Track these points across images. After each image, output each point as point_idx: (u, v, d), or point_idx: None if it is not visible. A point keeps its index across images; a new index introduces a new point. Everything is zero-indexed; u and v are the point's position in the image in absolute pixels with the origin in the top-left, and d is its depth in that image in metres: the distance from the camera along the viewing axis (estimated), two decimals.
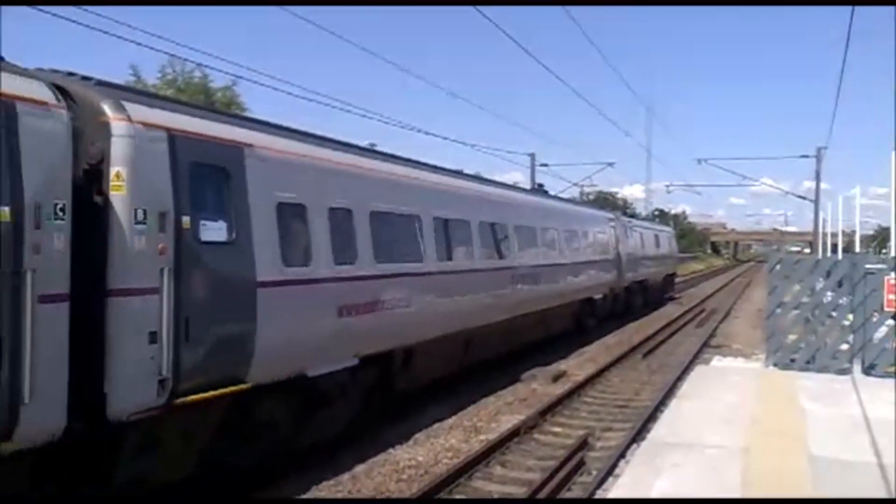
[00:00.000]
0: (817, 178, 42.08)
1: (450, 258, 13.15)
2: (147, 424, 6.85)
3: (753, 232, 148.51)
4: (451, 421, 11.99)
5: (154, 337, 6.75)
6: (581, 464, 9.69)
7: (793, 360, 12.33)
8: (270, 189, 8.44)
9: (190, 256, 7.19)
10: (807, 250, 69.52)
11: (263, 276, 8.10)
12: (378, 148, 14.01)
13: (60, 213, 5.98)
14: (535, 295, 17.38)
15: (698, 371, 13.33)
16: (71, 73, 7.13)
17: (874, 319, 11.90)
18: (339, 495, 8.56)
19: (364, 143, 13.42)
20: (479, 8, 13.70)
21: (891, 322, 11.80)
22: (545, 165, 42.61)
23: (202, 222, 7.44)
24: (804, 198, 47.66)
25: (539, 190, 25.70)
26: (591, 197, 59.58)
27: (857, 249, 23.78)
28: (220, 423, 7.86)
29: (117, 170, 6.65)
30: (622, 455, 9.76)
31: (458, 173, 16.10)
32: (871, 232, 78.01)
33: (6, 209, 5.57)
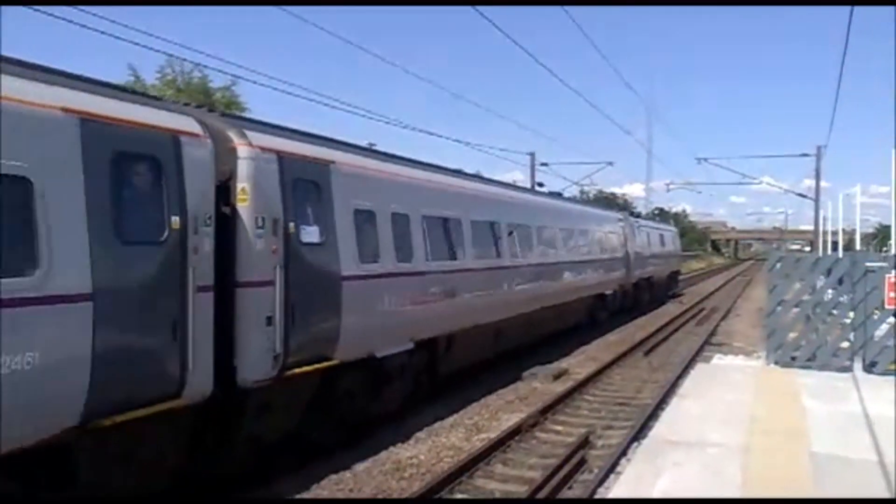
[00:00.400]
0: (817, 176, 42.15)
1: (483, 256, 14.66)
2: (264, 392, 8.35)
3: (754, 230, 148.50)
4: (452, 419, 12.00)
5: (270, 321, 8.28)
6: (582, 462, 9.70)
7: (793, 358, 12.35)
8: (349, 198, 10.05)
9: (294, 255, 8.75)
10: (807, 248, 69.55)
11: (346, 271, 9.76)
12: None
13: (208, 221, 7.58)
14: (554, 290, 19.01)
15: (699, 369, 13.34)
16: (199, 106, 9.22)
17: (875, 317, 11.92)
18: (341, 494, 8.57)
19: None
20: (479, 8, 13.70)
21: (891, 319, 11.82)
22: (545, 164, 42.58)
23: (302, 227, 9.00)
24: (804, 196, 47.64)
25: (557, 193, 26.72)
26: (591, 196, 59.64)
27: (858, 247, 23.78)
28: (313, 394, 9.42)
29: (242, 185, 8.17)
30: (623, 453, 9.77)
31: (485, 179, 18.18)
32: (871, 230, 78.02)
33: (176, 219, 7.16)
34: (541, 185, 37.65)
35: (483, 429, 11.54)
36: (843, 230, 27.17)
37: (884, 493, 6.36)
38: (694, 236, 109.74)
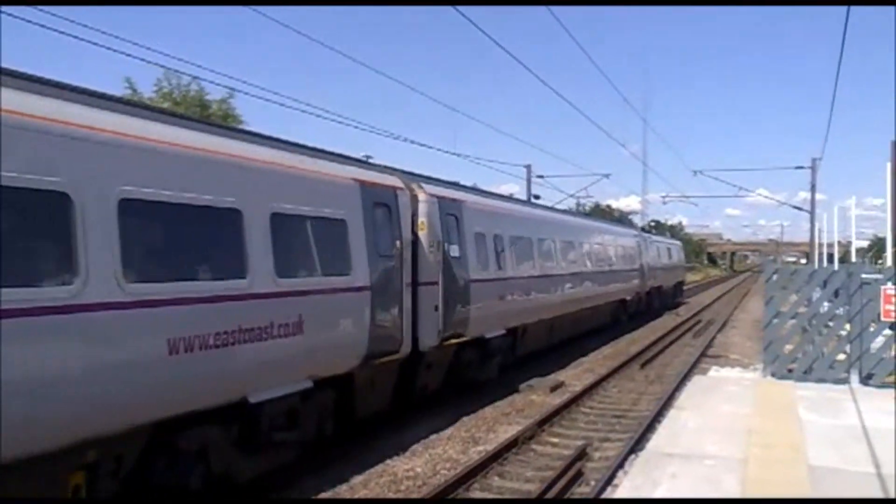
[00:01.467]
0: (812, 189, 42.30)
1: (545, 267, 18.84)
2: (430, 354, 12.54)
3: (749, 242, 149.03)
4: (448, 431, 11.96)
5: (436, 308, 12.47)
6: (579, 474, 9.67)
7: (790, 371, 12.36)
8: (472, 226, 14.47)
9: (447, 265, 13.07)
10: (803, 261, 69.71)
11: (473, 276, 14.12)
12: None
13: (409, 244, 11.82)
14: (590, 294, 23.15)
15: (696, 381, 13.33)
16: (396, 169, 12.85)
17: (871, 329, 11.94)
18: None
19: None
20: (474, 19, 13.84)
21: (888, 332, 11.84)
22: (541, 177, 42.70)
23: (450, 245, 13.28)
24: (800, 208, 47.88)
25: (587, 214, 33.59)
26: (587, 208, 59.80)
27: (853, 259, 23.84)
28: (451, 359, 13.61)
29: (422, 220, 12.31)
30: (620, 465, 9.74)
31: (549, 208, 26.04)
32: (866, 242, 78.24)
33: (398, 242, 11.40)
34: (537, 197, 37.74)
35: (480, 441, 11.50)
36: (839, 242, 27.31)
37: None
38: (690, 248, 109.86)
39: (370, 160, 14.39)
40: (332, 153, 10.88)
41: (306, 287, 9.16)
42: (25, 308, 5.73)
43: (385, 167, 12.51)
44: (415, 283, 11.84)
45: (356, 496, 8.85)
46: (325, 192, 9.82)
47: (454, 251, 13.41)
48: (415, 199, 12.18)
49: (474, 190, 17.04)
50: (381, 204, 11.10)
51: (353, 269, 10.08)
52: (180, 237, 7.61)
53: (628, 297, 29.16)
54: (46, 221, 6.15)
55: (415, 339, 11.81)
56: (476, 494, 9.11)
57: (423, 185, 12.72)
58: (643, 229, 40.98)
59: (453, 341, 13.19)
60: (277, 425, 8.66)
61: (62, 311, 6.01)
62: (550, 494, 8.68)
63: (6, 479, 5.74)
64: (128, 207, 6.67)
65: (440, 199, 13.01)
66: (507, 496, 9.07)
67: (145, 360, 6.73)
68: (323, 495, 8.79)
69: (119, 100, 8.17)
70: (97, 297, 6.29)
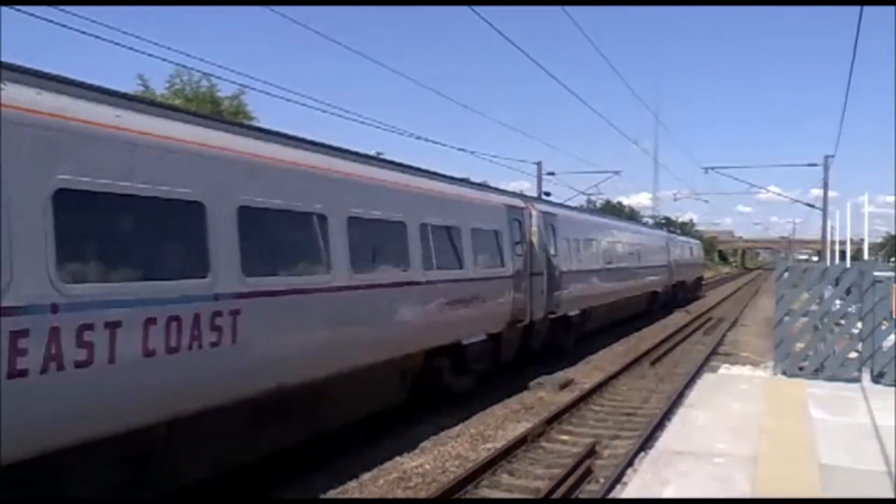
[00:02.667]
0: (825, 186, 41.99)
1: (607, 261, 24.27)
2: (538, 324, 17.23)
3: (761, 240, 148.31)
4: (457, 429, 11.96)
5: (542, 291, 17.14)
6: (588, 472, 9.66)
7: (801, 369, 12.28)
8: (564, 232, 19.56)
9: (548, 261, 17.87)
10: (815, 258, 69.31)
11: (565, 268, 19.02)
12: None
13: (528, 246, 16.73)
14: (633, 286, 28.22)
15: (706, 379, 13.26)
16: (520, 194, 19.90)
17: (883, 327, 11.84)
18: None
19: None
20: (487, 19, 13.86)
21: None
22: (552, 174, 42.62)
23: (548, 247, 18.01)
24: (812, 206, 47.51)
25: (631, 217, 40.48)
26: (598, 205, 59.71)
27: (866, 257, 23.63)
28: (549, 328, 18.24)
29: (533, 228, 17.13)
30: (630, 463, 9.71)
31: (608, 214, 37.84)
32: (879, 240, 77.73)
33: (524, 245, 16.30)
34: (548, 194, 37.66)
35: (489, 438, 11.50)
36: (851, 240, 27.09)
37: None
38: (701, 246, 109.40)
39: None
40: (489, 186, 18.90)
41: (486, 275, 14.16)
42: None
43: (515, 193, 18.68)
44: (530, 274, 16.44)
45: (365, 493, 8.86)
46: (491, 213, 15.08)
47: (552, 251, 18.18)
48: (530, 214, 17.04)
49: (561, 206, 23.98)
50: (516, 219, 16.10)
51: (504, 263, 15.18)
52: (449, 246, 13.00)
53: (659, 290, 34.06)
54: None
55: (529, 313, 16.38)
56: (485, 492, 9.11)
57: (535, 204, 18.33)
58: (671, 231, 47.87)
59: (550, 316, 17.90)
60: (473, 358, 13.75)
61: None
62: (559, 492, 8.67)
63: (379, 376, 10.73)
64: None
65: (544, 213, 18.13)
66: (516, 494, 9.06)
67: (438, 318, 12.20)
68: (332, 492, 8.80)
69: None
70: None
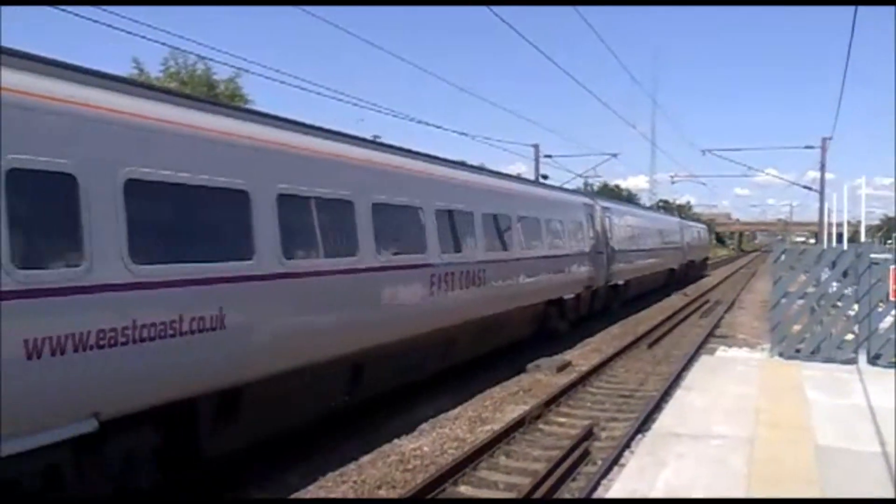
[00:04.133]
0: (822, 168, 41.94)
1: (644, 244, 30.86)
2: (601, 289, 23.26)
3: (758, 222, 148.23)
4: (456, 411, 12.02)
5: (603, 264, 23.48)
6: (586, 454, 9.71)
7: (798, 351, 12.34)
8: (605, 220, 24.13)
9: (607, 243, 24.00)
10: (812, 240, 69.38)
11: (616, 248, 25.08)
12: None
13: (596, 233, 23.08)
14: (661, 262, 34.86)
15: (703, 361, 13.32)
16: (587, 191, 33.27)
17: (879, 309, 11.90)
18: (346, 485, 8.59)
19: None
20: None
21: None
22: (549, 157, 42.58)
23: (607, 233, 24.14)
24: (809, 188, 47.51)
25: (662, 208, 59.24)
26: (595, 188, 59.83)
27: (863, 239, 23.66)
28: (605, 293, 23.80)
29: (597, 218, 23.36)
30: (627, 445, 9.77)
31: (650, 208, 53.24)
32: (876, 222, 77.82)
33: (594, 230, 23.04)
34: (545, 177, 37.65)
35: (487, 420, 11.55)
36: (848, 222, 27.07)
37: (888, 485, 6.36)
38: (707, 229, 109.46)
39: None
40: (570, 189, 28.61)
41: (571, 252, 19.95)
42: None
43: (583, 191, 22.95)
44: (596, 253, 22.03)
45: (364, 475, 8.90)
46: (575, 209, 21.56)
47: (609, 235, 23.40)
48: (595, 208, 22.90)
49: (617, 200, 30.68)
50: (588, 213, 22.41)
51: (584, 245, 21.34)
52: (555, 233, 18.91)
53: (675, 267, 40.06)
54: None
55: (598, 280, 22.00)
56: (483, 474, 9.16)
57: (597, 199, 24.18)
58: (682, 216, 59.99)
59: (594, 287, 21.94)
60: (569, 309, 19.76)
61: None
62: (557, 473, 8.72)
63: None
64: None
65: (604, 207, 24.13)
66: (514, 476, 9.11)
67: (553, 280, 18.24)
68: (331, 474, 8.85)
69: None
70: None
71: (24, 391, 5.50)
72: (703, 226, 64.92)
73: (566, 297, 19.24)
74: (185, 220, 7.49)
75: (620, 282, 25.66)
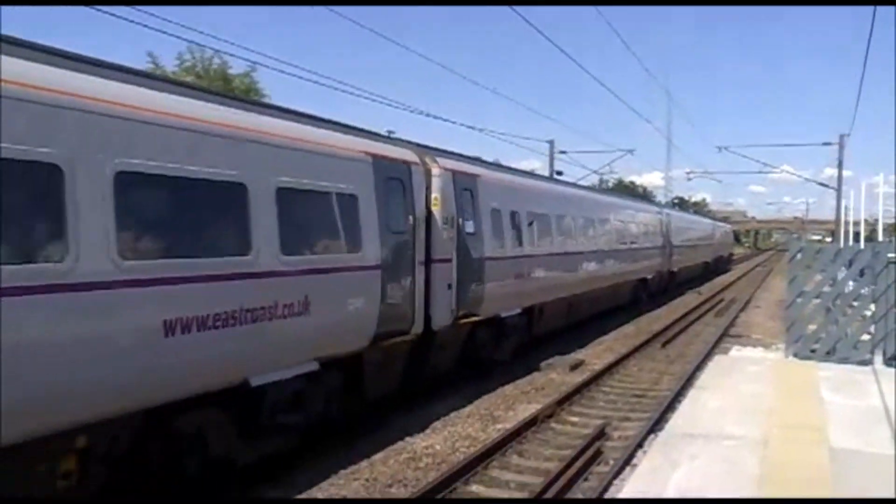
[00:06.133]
0: (840, 165, 41.62)
1: (697, 240, 43.44)
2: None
3: (774, 220, 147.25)
4: (468, 409, 12.00)
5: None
6: (598, 453, 9.68)
7: (813, 351, 12.23)
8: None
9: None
10: (828, 239, 68.78)
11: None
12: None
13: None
14: (699, 256, 43.26)
15: (717, 361, 13.24)
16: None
17: None
18: (357, 483, 8.60)
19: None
20: None
21: None
22: (564, 152, 42.51)
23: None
24: (826, 185, 47.27)
25: (697, 210, 69.45)
26: (610, 184, 59.71)
27: (880, 238, 23.42)
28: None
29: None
30: (640, 445, 9.74)
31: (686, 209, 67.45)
32: (894, 220, 76.99)
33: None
34: (560, 173, 37.53)
35: (499, 419, 11.53)
36: (866, 220, 26.85)
37: None
38: (730, 230, 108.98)
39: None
40: (650, 200, 46.40)
41: (652, 246, 28.49)
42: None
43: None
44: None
45: (375, 472, 8.91)
46: (656, 215, 30.82)
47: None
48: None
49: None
50: (660, 219, 29.88)
51: (658, 241, 29.67)
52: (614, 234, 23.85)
53: (709, 260, 48.36)
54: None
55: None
56: (495, 473, 9.15)
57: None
58: (711, 217, 66.78)
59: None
60: (649, 285, 28.44)
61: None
62: (569, 473, 8.69)
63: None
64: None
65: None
66: (526, 475, 9.09)
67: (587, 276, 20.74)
68: (343, 472, 8.86)
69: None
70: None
71: (294, 339, 8.41)
72: (728, 226, 71.96)
73: (648, 277, 28.59)
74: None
75: (675, 269, 34.46)
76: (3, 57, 5.62)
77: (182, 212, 7.24)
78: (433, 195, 11.88)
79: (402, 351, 11.30)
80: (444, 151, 13.60)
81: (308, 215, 8.95)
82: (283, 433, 8.72)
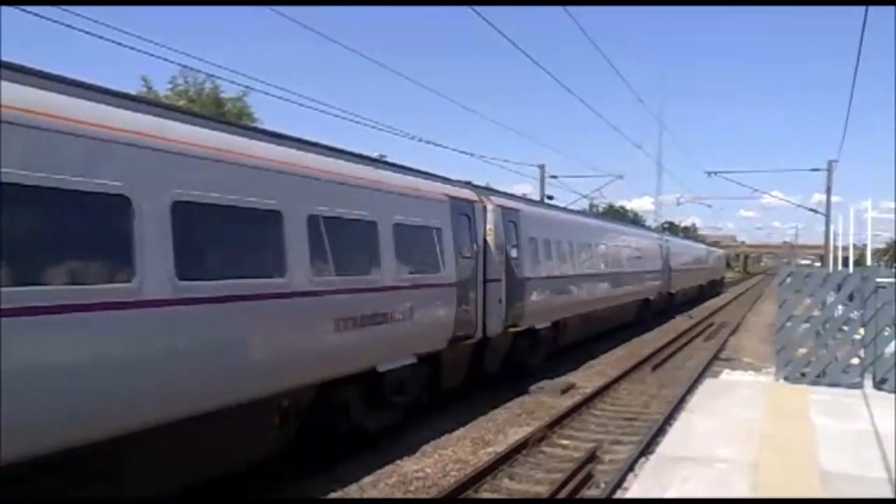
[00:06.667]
0: (828, 191, 41.80)
1: (699, 265, 50.23)
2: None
3: (763, 245, 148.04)
4: (458, 432, 11.95)
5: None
6: (589, 477, 9.64)
7: (803, 374, 12.25)
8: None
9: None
10: (817, 263, 69.12)
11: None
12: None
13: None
14: (694, 278, 46.16)
15: (707, 385, 13.25)
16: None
17: (886, 333, 11.81)
18: None
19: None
20: (488, 19, 13.88)
21: None
22: (554, 177, 42.60)
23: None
24: (815, 210, 47.52)
25: (669, 229, 70.74)
26: (600, 209, 59.99)
27: (869, 263, 23.58)
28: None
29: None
30: (630, 468, 9.71)
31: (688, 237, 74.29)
32: (882, 245, 77.55)
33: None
34: (550, 197, 37.64)
35: (490, 442, 11.48)
36: (854, 245, 27.03)
37: None
38: (722, 255, 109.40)
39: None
40: (651, 228, 51.71)
41: (654, 269, 31.95)
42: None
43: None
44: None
45: (365, 495, 8.85)
46: (657, 242, 34.28)
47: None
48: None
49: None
50: (660, 245, 34.04)
51: (658, 265, 32.63)
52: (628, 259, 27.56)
53: (703, 283, 52.45)
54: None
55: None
56: (485, 496, 9.10)
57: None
58: (707, 242, 70.41)
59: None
60: (651, 305, 31.58)
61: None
62: (560, 496, 8.65)
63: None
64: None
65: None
66: (516, 498, 9.04)
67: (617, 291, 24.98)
68: (333, 495, 8.80)
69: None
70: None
71: (403, 338, 11.00)
72: (721, 251, 76.15)
73: (651, 297, 31.29)
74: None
75: (674, 290, 37.57)
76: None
77: (344, 242, 9.68)
78: (487, 226, 14.47)
79: (467, 352, 13.94)
80: (494, 191, 17.19)
81: (412, 243, 11.52)
82: (394, 409, 11.27)
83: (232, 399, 7.52)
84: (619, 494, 8.60)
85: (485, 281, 13.97)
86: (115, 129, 6.48)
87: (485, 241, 14.23)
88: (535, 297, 16.61)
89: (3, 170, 5.44)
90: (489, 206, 14.66)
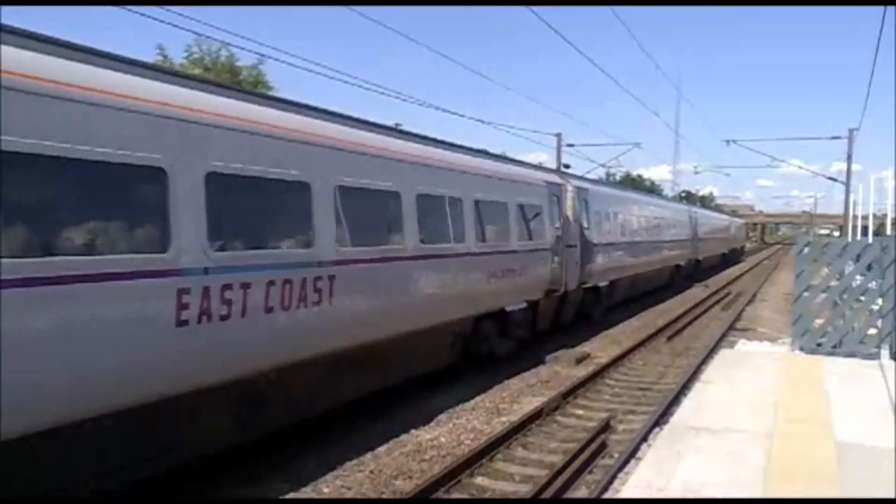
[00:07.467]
0: (849, 159, 41.31)
1: (709, 236, 46.19)
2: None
3: (781, 214, 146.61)
4: (473, 402, 12.01)
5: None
6: (603, 446, 9.68)
7: (819, 345, 12.18)
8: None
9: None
10: (836, 233, 68.52)
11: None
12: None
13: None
14: (716, 247, 50.13)
15: (723, 355, 13.20)
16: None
17: None
18: (361, 475, 8.62)
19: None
20: None
21: None
22: (571, 146, 42.45)
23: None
24: (835, 179, 47.02)
25: (687, 198, 74.60)
26: (617, 178, 59.69)
27: (889, 232, 23.29)
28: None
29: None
30: (644, 438, 9.73)
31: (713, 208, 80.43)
32: None
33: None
34: (567, 166, 37.43)
35: (504, 412, 11.54)
36: (874, 215, 26.71)
37: None
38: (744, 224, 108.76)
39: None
40: (677, 201, 55.16)
41: (684, 238, 35.76)
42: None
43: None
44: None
45: (380, 464, 8.93)
46: (685, 214, 37.49)
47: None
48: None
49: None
50: (689, 216, 37.24)
51: (689, 233, 36.61)
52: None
53: (726, 251, 56.45)
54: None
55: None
56: (499, 465, 9.15)
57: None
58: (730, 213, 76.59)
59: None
60: (682, 270, 35.30)
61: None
62: (574, 466, 8.69)
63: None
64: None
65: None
66: (530, 468, 9.10)
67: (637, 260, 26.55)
68: (348, 463, 8.89)
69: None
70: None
71: (520, 288, 15.05)
72: (741, 220, 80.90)
73: (682, 263, 34.94)
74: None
75: (701, 257, 40.93)
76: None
77: (489, 219, 13.82)
78: (567, 203, 18.23)
79: (554, 302, 17.53)
80: (571, 174, 22.54)
81: (526, 217, 15.33)
82: (513, 339, 15.15)
83: (433, 322, 11.57)
84: (632, 464, 8.62)
85: (566, 246, 17.50)
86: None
87: (566, 214, 17.90)
88: (599, 260, 20.48)
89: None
90: (569, 188, 18.60)
